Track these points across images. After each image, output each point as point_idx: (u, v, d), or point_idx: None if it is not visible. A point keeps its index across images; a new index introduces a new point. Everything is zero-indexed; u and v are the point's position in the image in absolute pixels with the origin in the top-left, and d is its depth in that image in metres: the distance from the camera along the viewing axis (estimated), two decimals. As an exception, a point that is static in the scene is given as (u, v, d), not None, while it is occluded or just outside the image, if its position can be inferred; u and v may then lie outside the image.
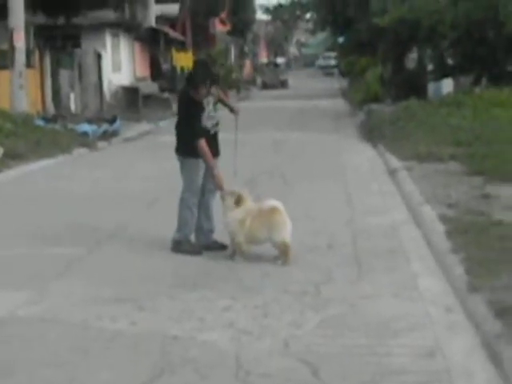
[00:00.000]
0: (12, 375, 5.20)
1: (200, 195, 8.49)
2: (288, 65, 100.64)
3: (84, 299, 6.81)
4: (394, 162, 14.91)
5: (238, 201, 8.06)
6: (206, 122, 8.33)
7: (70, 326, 6.16)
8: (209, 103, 8.34)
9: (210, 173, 8.29)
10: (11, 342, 5.84)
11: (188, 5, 46.74)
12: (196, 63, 9.00)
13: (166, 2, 44.24)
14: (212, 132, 8.42)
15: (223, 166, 8.62)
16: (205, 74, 8.23)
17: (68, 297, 6.89)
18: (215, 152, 8.48)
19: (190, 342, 5.73)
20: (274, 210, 7.95)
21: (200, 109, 8.27)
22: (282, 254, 7.92)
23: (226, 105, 8.79)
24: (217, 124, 8.49)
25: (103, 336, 5.88)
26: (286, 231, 7.89)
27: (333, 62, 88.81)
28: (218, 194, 8.41)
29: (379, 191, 12.38)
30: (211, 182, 8.40)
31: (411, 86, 28.88)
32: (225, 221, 8.20)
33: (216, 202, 8.59)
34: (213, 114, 8.41)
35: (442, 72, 27.12)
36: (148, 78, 38.78)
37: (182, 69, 42.22)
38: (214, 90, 8.39)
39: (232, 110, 8.75)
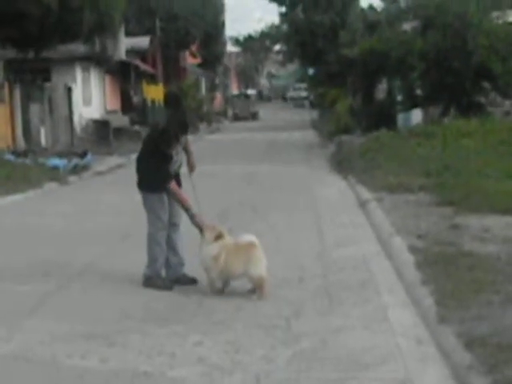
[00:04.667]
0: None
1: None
2: (259, 96, 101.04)
3: (54, 336, 6.75)
4: (365, 193, 14.98)
5: (218, 237, 8.05)
6: (174, 168, 8.46)
7: (40, 363, 6.10)
8: (178, 153, 8.45)
9: (189, 214, 8.32)
10: (-20, 381, 5.78)
11: (158, 38, 46.98)
12: (172, 120, 8.76)
13: (136, 35, 44.43)
14: (173, 173, 8.54)
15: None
16: (174, 135, 8.22)
17: (38, 334, 6.82)
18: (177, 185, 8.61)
19: (161, 378, 5.70)
20: (251, 244, 7.96)
21: (170, 158, 8.35)
22: (258, 289, 7.90)
23: (188, 155, 8.76)
24: (180, 165, 8.61)
25: (73, 373, 5.83)
26: (262, 266, 7.89)
27: (303, 94, 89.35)
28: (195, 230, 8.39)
29: (350, 223, 12.41)
30: (174, 217, 8.52)
31: (381, 117, 29.12)
32: (200, 256, 8.16)
33: (185, 237, 8.67)
34: (177, 159, 8.51)
35: (411, 103, 27.39)
36: (119, 111, 38.78)
37: (153, 101, 42.37)
38: (183, 138, 8.46)
39: (189, 163, 8.77)
